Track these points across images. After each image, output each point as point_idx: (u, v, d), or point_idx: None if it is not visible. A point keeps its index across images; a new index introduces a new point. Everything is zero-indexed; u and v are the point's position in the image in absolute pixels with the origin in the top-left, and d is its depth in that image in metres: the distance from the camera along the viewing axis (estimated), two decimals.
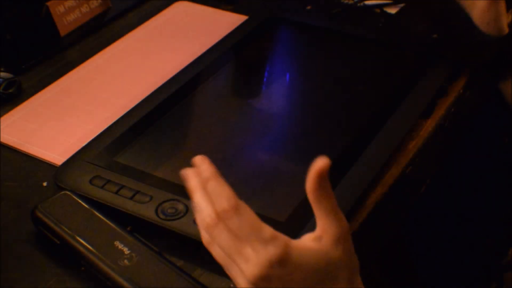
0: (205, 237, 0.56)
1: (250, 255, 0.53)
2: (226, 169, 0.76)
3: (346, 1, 1.10)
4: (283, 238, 0.53)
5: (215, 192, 0.55)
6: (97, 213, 0.68)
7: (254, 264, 0.52)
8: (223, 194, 0.54)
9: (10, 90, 0.90)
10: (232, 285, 0.59)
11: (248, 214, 0.54)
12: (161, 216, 0.69)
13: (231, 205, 0.54)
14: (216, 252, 0.56)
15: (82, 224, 0.67)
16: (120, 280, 0.62)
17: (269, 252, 0.52)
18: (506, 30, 0.89)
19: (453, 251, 1.30)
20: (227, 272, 0.56)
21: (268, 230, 0.53)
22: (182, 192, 0.71)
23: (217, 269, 0.63)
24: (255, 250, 0.52)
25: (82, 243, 0.65)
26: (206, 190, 0.55)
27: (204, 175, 0.56)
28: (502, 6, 0.89)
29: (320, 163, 0.53)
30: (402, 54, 0.95)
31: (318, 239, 0.54)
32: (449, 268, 1.27)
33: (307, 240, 0.55)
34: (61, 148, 0.82)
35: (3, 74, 0.91)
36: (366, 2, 1.10)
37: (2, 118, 0.87)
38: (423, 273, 1.25)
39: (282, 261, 0.52)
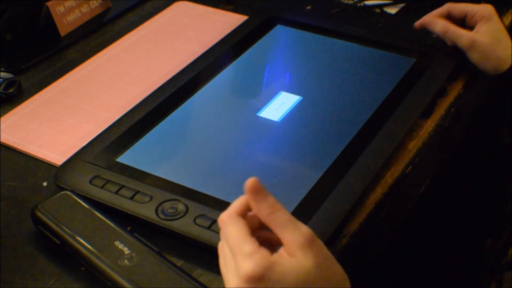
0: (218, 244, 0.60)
1: (235, 268, 0.55)
2: (226, 170, 0.77)
3: (346, 1, 1.11)
4: (262, 253, 0.54)
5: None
6: (97, 213, 0.68)
7: (234, 277, 0.54)
8: (233, 204, 0.57)
9: (10, 90, 0.90)
10: None
11: (236, 227, 0.56)
12: (161, 216, 0.69)
13: (224, 216, 0.57)
14: (220, 252, 0.59)
15: (82, 224, 0.67)
16: (120, 280, 0.62)
17: (247, 267, 0.53)
18: (505, 67, 0.89)
19: (453, 251, 1.30)
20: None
21: (249, 245, 0.54)
22: (182, 192, 0.71)
23: (217, 269, 0.64)
24: (237, 264, 0.54)
25: (82, 243, 0.65)
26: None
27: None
28: (499, 49, 0.89)
29: (249, 183, 0.55)
30: (402, 54, 0.95)
31: (290, 254, 0.55)
32: (449, 268, 1.27)
33: (284, 254, 0.55)
34: (61, 148, 0.82)
35: (3, 74, 0.91)
36: (366, 2, 1.10)
37: (2, 118, 0.87)
38: (423, 273, 1.25)
39: (260, 277, 0.53)
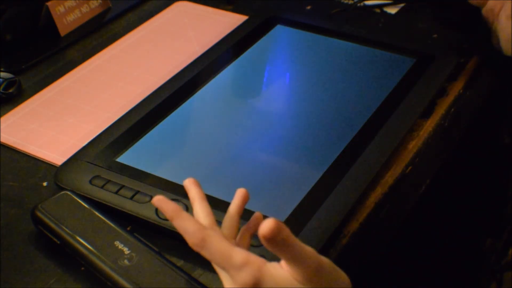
0: None
1: (228, 279, 0.55)
2: (226, 170, 0.77)
3: (346, 1, 1.11)
4: (256, 261, 0.54)
5: (182, 228, 0.55)
6: (97, 213, 0.68)
7: (231, 285, 0.54)
8: (190, 228, 0.55)
9: (10, 90, 0.90)
10: None
11: (216, 244, 0.54)
12: (161, 216, 0.69)
13: (196, 240, 0.54)
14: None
15: (82, 224, 0.67)
16: (120, 280, 0.62)
17: (242, 278, 0.53)
18: None
19: (453, 251, 1.30)
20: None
21: (239, 255, 0.53)
22: (182, 192, 0.71)
23: None
24: (231, 275, 0.54)
25: (82, 243, 0.65)
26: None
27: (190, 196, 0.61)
28: None
29: (265, 229, 0.50)
30: (402, 54, 0.95)
31: (295, 279, 0.54)
32: (449, 268, 1.27)
33: (284, 266, 0.55)
34: (61, 148, 0.82)
35: (3, 74, 0.91)
36: (366, 2, 1.10)
37: (2, 118, 0.87)
38: (423, 273, 1.25)
39: (257, 284, 0.53)
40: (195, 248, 0.55)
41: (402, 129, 0.81)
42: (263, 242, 0.51)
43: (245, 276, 0.53)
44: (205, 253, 0.55)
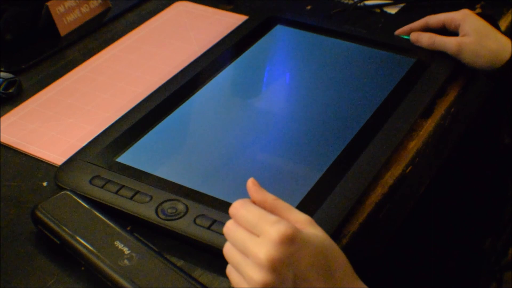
0: (224, 248, 0.60)
1: (262, 239, 0.55)
2: (226, 170, 0.77)
3: (346, 1, 1.11)
4: (285, 220, 0.57)
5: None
6: (97, 213, 0.68)
7: (267, 245, 0.55)
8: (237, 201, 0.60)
9: (10, 90, 0.90)
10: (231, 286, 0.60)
11: (254, 207, 0.58)
12: (161, 216, 0.69)
13: (238, 203, 0.59)
14: (229, 254, 0.59)
15: (82, 224, 0.67)
16: (120, 280, 0.62)
17: (279, 229, 0.55)
18: (503, 58, 0.88)
19: (453, 251, 1.30)
20: (239, 271, 0.57)
21: (273, 215, 0.57)
22: (182, 192, 0.71)
23: (217, 269, 0.64)
24: (266, 232, 0.55)
25: (82, 243, 0.65)
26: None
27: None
28: (488, 43, 0.89)
29: (250, 180, 0.61)
30: (402, 54, 0.95)
31: (302, 228, 0.58)
32: (448, 268, 1.27)
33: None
34: (61, 148, 0.82)
35: (3, 74, 0.91)
36: (366, 2, 1.10)
37: (2, 118, 0.87)
38: (423, 273, 1.25)
39: (291, 237, 0.55)
40: (235, 210, 0.58)
41: (402, 129, 0.81)
42: (252, 188, 0.60)
43: (282, 226, 0.55)
44: (242, 212, 0.58)
